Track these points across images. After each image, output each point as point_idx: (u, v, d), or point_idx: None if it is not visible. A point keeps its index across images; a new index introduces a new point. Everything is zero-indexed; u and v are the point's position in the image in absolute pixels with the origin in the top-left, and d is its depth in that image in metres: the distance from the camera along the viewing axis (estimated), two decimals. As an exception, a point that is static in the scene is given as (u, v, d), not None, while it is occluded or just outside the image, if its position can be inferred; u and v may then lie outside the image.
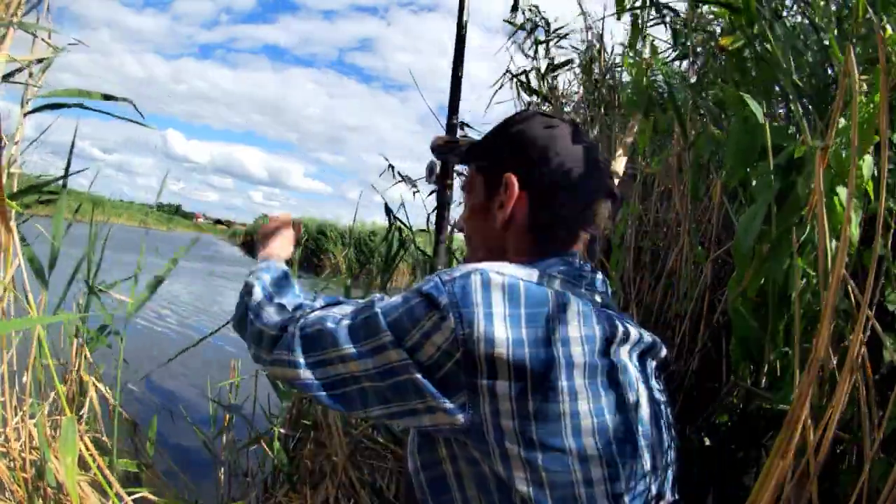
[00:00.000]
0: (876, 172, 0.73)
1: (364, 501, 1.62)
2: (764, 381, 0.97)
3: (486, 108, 2.30)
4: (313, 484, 1.74)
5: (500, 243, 0.70)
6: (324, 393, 0.61)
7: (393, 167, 2.23)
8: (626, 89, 1.27)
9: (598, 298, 0.65)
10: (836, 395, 0.66)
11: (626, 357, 0.61)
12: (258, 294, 0.72)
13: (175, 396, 2.93)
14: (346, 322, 0.60)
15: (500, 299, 0.55)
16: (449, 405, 0.55)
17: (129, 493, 1.43)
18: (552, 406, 0.54)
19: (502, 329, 0.54)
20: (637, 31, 1.45)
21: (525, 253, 0.67)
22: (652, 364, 0.67)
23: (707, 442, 1.09)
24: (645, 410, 0.61)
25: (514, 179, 0.67)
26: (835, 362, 0.74)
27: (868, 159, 0.72)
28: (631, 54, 1.43)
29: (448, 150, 0.83)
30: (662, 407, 0.66)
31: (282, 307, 0.68)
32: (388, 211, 2.11)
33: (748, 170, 0.90)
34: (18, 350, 1.41)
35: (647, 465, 0.59)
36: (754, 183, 0.86)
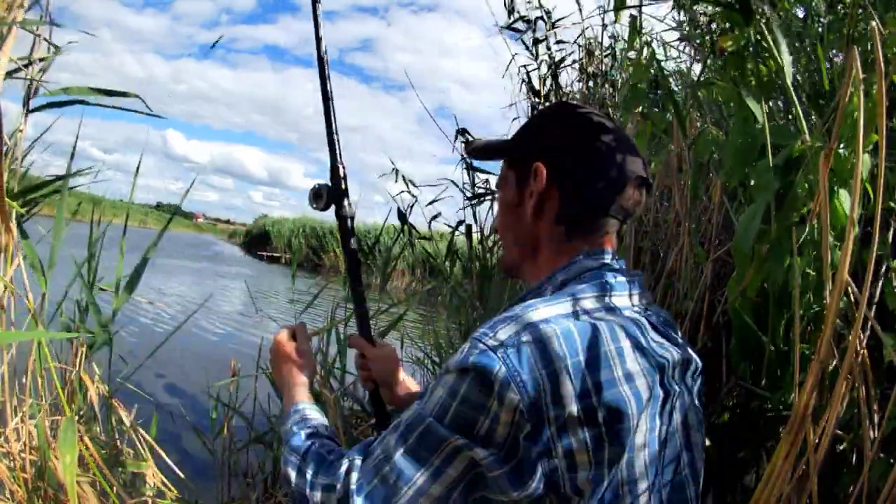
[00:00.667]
0: (875, 172, 0.72)
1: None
2: (764, 381, 0.97)
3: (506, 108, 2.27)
4: (313, 484, 1.73)
5: (531, 239, 0.68)
6: None
7: (398, 171, 2.24)
8: (625, 91, 1.27)
9: (641, 301, 0.65)
10: (835, 395, 0.66)
11: (676, 383, 0.62)
12: (294, 476, 0.63)
13: (176, 397, 2.94)
14: (400, 451, 0.55)
15: (559, 354, 0.52)
16: (529, 488, 0.52)
17: (129, 494, 1.43)
18: (623, 447, 0.54)
19: (568, 384, 0.52)
20: (636, 31, 1.44)
21: (556, 247, 0.66)
22: (695, 385, 0.67)
23: (707, 442, 1.09)
24: (694, 437, 0.63)
25: (543, 167, 0.66)
26: (834, 362, 0.74)
27: (867, 158, 0.72)
28: (631, 55, 1.43)
29: (483, 148, 0.80)
30: (697, 426, 0.66)
31: (326, 487, 0.59)
32: (401, 216, 2.12)
33: (747, 169, 0.90)
34: (18, 350, 1.41)
35: (691, 493, 0.62)
36: (753, 182, 0.86)
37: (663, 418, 0.59)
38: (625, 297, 0.62)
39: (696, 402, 0.67)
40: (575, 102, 0.72)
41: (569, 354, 0.53)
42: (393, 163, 2.27)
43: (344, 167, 0.83)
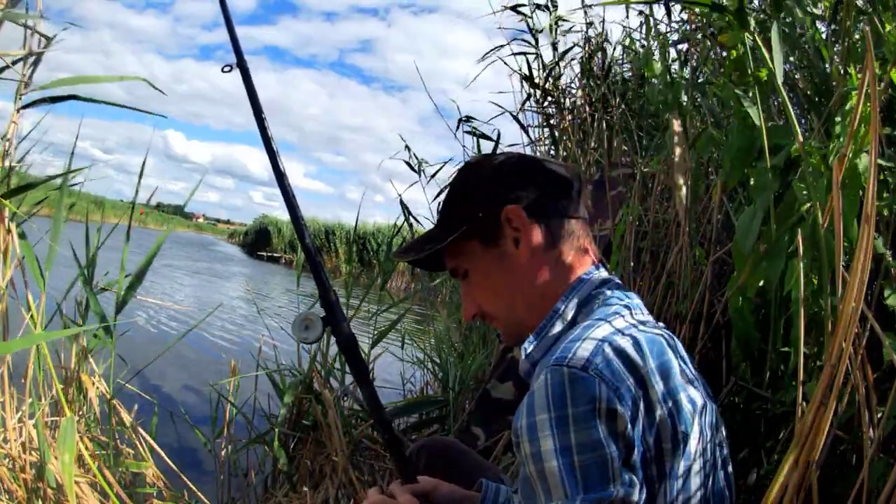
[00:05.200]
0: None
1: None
2: (765, 381, 0.97)
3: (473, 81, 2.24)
4: (313, 484, 1.74)
5: (535, 281, 0.65)
6: None
7: (409, 148, 2.19)
8: (656, 91, 1.26)
9: (647, 317, 0.65)
10: (835, 395, 0.66)
11: (707, 396, 0.62)
12: None
13: (175, 397, 2.93)
14: None
15: (639, 360, 0.54)
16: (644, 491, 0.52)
17: (129, 494, 1.43)
18: (683, 448, 0.54)
19: (654, 390, 0.53)
20: (650, 28, 1.44)
21: (557, 278, 0.65)
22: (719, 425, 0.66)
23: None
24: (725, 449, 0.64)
25: (514, 207, 0.64)
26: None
27: (864, 158, 0.72)
28: (655, 56, 1.42)
29: (419, 250, 0.71)
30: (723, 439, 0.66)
31: None
32: (403, 207, 2.09)
33: (747, 170, 0.90)
34: (18, 351, 1.41)
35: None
36: (753, 183, 0.86)
37: (708, 429, 0.59)
38: (645, 311, 0.65)
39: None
40: (479, 156, 0.72)
41: (643, 363, 0.54)
42: (403, 139, 2.23)
43: (335, 293, 0.77)
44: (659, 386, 0.54)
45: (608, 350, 0.53)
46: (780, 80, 0.79)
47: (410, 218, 2.19)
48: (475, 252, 0.67)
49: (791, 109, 0.82)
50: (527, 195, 0.65)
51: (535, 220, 0.65)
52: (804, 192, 0.77)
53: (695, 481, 0.56)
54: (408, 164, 2.19)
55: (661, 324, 0.68)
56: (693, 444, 0.55)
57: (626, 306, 0.62)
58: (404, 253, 0.75)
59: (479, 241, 0.67)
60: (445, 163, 2.22)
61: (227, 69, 0.84)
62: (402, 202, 2.12)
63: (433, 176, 2.18)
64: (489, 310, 0.69)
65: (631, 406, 0.51)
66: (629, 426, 0.51)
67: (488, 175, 0.68)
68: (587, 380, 0.51)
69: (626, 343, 0.54)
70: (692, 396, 0.57)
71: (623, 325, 0.58)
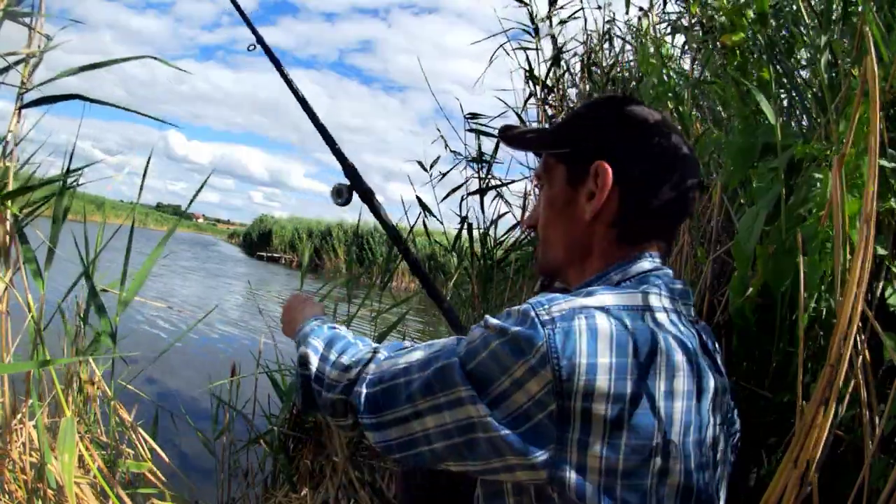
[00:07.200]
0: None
1: (364, 501, 1.62)
2: (767, 382, 0.97)
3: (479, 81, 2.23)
4: (313, 484, 1.74)
5: (584, 240, 0.64)
6: (402, 454, 0.57)
7: (422, 163, 2.15)
8: (649, 87, 1.26)
9: (692, 313, 0.62)
10: (835, 395, 0.66)
11: (713, 412, 0.57)
12: (315, 362, 0.66)
13: (175, 397, 2.93)
14: (418, 374, 0.55)
15: (607, 349, 0.49)
16: (533, 460, 0.49)
17: (129, 494, 1.43)
18: (643, 463, 0.50)
19: (605, 383, 0.48)
20: (648, 25, 1.44)
21: (608, 251, 0.63)
22: (728, 416, 0.64)
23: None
24: (721, 468, 0.60)
25: (607, 167, 0.61)
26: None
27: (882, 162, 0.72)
28: (651, 49, 1.41)
29: (521, 137, 0.75)
30: (730, 458, 0.64)
31: (344, 368, 0.62)
32: (421, 204, 2.06)
33: (749, 171, 0.90)
34: (18, 351, 1.41)
35: None
36: (755, 183, 0.86)
37: (702, 449, 0.55)
38: (680, 306, 0.59)
39: (729, 434, 0.64)
40: (626, 97, 0.68)
41: (616, 353, 0.49)
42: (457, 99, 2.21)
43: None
44: (616, 383, 0.49)
45: (580, 322, 0.50)
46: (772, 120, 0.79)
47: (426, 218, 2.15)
48: (558, 178, 0.67)
49: (798, 106, 0.82)
50: (629, 161, 0.62)
51: (619, 187, 0.61)
52: (809, 193, 0.77)
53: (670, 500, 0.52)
54: (420, 164, 2.17)
55: (706, 327, 0.65)
56: (667, 462, 0.51)
57: (672, 291, 0.58)
58: (511, 139, 0.76)
59: (566, 172, 0.66)
60: (454, 166, 2.20)
61: (251, 48, 1.01)
62: (419, 201, 2.10)
63: (444, 175, 2.16)
64: (540, 231, 0.70)
65: (563, 381, 0.48)
66: (546, 394, 0.48)
67: (612, 121, 0.64)
68: (537, 335, 0.49)
69: (607, 324, 0.50)
70: (673, 409, 0.52)
71: (638, 303, 0.54)
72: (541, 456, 0.49)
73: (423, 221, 2.09)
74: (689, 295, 0.62)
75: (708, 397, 0.56)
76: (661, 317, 0.55)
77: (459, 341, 0.55)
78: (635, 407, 0.49)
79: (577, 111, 0.72)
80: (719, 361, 0.63)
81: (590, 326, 0.50)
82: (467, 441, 0.53)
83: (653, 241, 0.63)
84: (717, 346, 0.66)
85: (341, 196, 0.96)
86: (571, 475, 0.49)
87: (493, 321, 0.53)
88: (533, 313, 0.51)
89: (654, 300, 0.56)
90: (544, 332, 0.49)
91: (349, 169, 0.96)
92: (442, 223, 2.12)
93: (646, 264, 0.61)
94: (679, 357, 0.52)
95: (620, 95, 0.86)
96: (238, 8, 1.01)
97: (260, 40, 0.99)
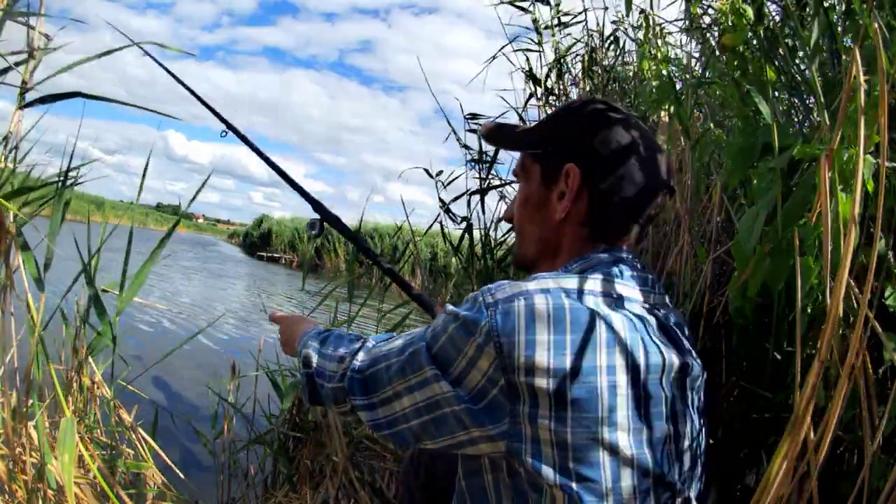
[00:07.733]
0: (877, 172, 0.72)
1: (364, 501, 1.62)
2: (766, 381, 0.97)
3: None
4: (313, 484, 1.74)
5: (555, 237, 0.69)
6: (389, 431, 0.63)
7: (429, 171, 2.15)
8: (648, 88, 1.26)
9: (652, 300, 0.64)
10: (836, 395, 0.66)
11: (668, 387, 0.59)
12: (315, 358, 0.73)
13: (175, 397, 2.94)
14: (395, 359, 0.61)
15: (544, 327, 0.53)
16: (492, 432, 0.54)
17: (129, 494, 1.43)
18: (591, 438, 0.53)
19: (544, 358, 0.52)
20: (649, 25, 1.44)
21: (578, 248, 0.67)
22: (696, 396, 0.65)
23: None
24: (684, 444, 0.61)
25: (577, 170, 0.65)
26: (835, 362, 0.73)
27: (868, 159, 0.72)
28: (651, 50, 1.41)
29: (500, 135, 0.78)
30: (700, 438, 0.65)
31: (340, 359, 0.69)
32: (442, 203, 2.04)
33: (749, 171, 0.90)
34: (18, 351, 1.41)
35: (680, 501, 0.59)
36: (755, 183, 0.86)
37: (651, 421, 0.56)
38: (635, 291, 0.62)
39: (695, 414, 0.65)
40: (604, 100, 0.71)
41: (554, 330, 0.53)
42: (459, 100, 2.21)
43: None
44: (555, 358, 0.52)
45: (518, 303, 0.54)
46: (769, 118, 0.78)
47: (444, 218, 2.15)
48: (533, 177, 0.71)
49: (799, 104, 0.82)
50: (598, 164, 0.65)
51: (588, 189, 0.65)
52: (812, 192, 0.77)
53: (615, 473, 0.54)
54: (426, 171, 2.18)
55: (674, 310, 0.67)
56: (614, 435, 0.53)
57: (613, 274, 0.61)
58: (491, 135, 0.79)
59: (541, 172, 0.70)
60: (460, 174, 2.20)
61: (224, 134, 1.16)
62: (441, 200, 2.09)
63: (450, 183, 2.17)
64: (516, 226, 0.75)
65: (504, 358, 0.53)
66: (494, 369, 0.53)
67: (585, 124, 0.67)
68: (480, 317, 0.55)
69: (544, 304, 0.54)
70: (615, 382, 0.54)
71: (574, 286, 0.57)
72: (498, 428, 0.54)
73: (441, 225, 2.10)
74: (649, 281, 0.65)
75: (657, 372, 0.57)
76: (605, 299, 0.58)
77: (426, 329, 0.61)
78: (575, 381, 0.53)
79: (555, 113, 0.74)
80: (685, 343, 0.65)
81: (528, 306, 0.54)
82: (436, 418, 0.58)
83: (621, 238, 0.67)
84: (685, 329, 0.68)
85: (314, 228, 1.11)
86: (527, 447, 0.53)
87: (451, 307, 0.59)
88: (480, 298, 0.56)
89: (596, 283, 0.59)
90: (487, 314, 0.54)
91: (315, 203, 1.10)
92: (442, 225, 2.12)
93: (604, 256, 0.64)
94: (624, 334, 0.55)
95: (597, 99, 0.88)
96: (205, 104, 1.14)
97: (230, 127, 1.14)
